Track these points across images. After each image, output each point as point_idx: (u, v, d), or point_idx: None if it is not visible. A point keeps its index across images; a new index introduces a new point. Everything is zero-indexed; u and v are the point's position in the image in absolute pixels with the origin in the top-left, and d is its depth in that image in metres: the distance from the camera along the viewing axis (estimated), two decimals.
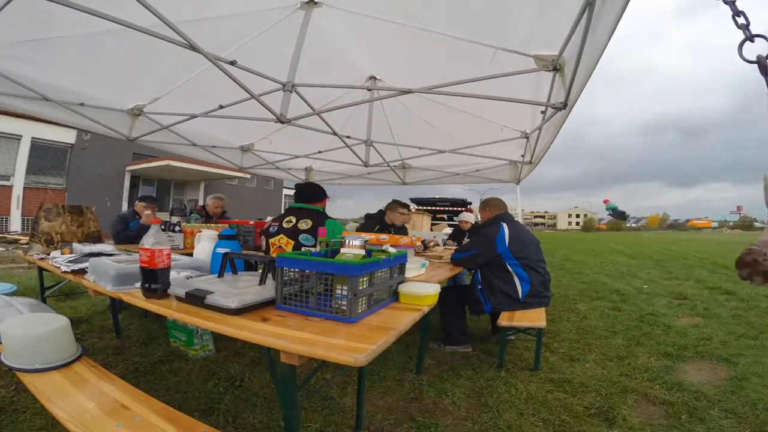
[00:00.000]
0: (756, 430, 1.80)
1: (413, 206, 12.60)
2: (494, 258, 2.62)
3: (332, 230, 1.95)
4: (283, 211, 2.33)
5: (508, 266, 2.61)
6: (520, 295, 2.60)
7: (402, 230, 4.09)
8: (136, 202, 3.87)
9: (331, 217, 2.23)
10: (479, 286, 2.72)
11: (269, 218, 4.18)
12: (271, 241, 2.18)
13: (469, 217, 5.01)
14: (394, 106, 3.24)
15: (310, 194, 2.29)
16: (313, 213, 2.16)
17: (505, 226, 2.66)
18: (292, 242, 2.08)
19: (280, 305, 1.24)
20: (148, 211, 3.69)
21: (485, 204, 3.01)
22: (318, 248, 1.50)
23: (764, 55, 0.70)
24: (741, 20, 0.71)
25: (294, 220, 2.14)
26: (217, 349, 2.54)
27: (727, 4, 0.71)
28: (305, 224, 2.08)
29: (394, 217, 3.90)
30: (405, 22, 2.01)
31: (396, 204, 3.95)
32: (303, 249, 1.98)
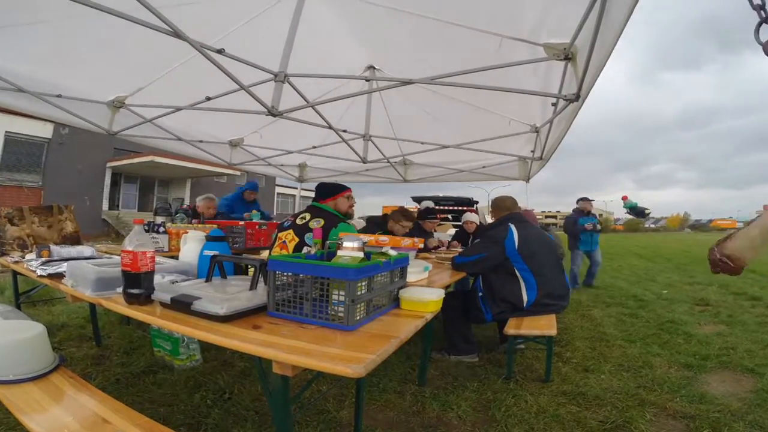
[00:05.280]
0: None
1: (414, 205, 12.60)
2: (501, 262, 2.62)
3: (336, 233, 1.96)
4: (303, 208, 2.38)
5: (516, 271, 2.60)
6: (524, 303, 2.60)
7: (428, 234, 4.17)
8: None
9: (346, 221, 2.24)
10: (480, 293, 2.72)
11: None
12: (279, 234, 2.22)
13: (473, 218, 5.01)
14: (394, 98, 3.24)
15: (322, 192, 2.33)
16: (329, 214, 2.20)
17: (513, 227, 2.64)
18: (297, 240, 2.11)
19: (273, 312, 1.24)
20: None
21: (493, 204, 3.01)
22: (313, 250, 1.50)
23: None
24: (757, 0, 0.72)
25: (308, 217, 2.18)
26: (204, 359, 2.54)
27: None
28: (317, 223, 2.11)
29: (395, 227, 3.87)
30: (405, 9, 2.01)
31: (401, 215, 3.88)
32: (305, 249, 1.99)
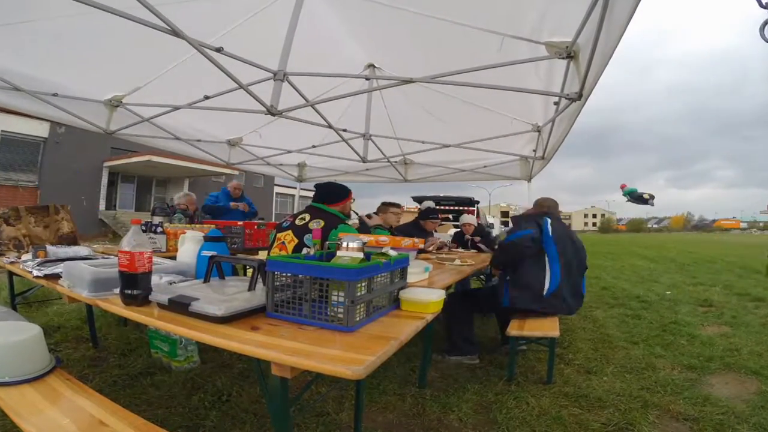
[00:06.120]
0: None
1: (415, 205, 12.61)
2: (539, 248, 2.65)
3: (336, 234, 1.95)
4: (303, 208, 2.37)
5: (546, 259, 2.64)
6: (544, 291, 2.61)
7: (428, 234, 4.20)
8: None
9: (347, 222, 2.23)
10: (507, 278, 2.76)
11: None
12: (278, 235, 2.21)
13: (471, 220, 5.01)
14: (394, 97, 3.24)
15: (329, 194, 2.29)
16: (329, 215, 2.19)
17: (548, 220, 2.73)
18: (296, 241, 2.10)
19: (271, 313, 1.24)
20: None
21: (535, 203, 3.11)
22: (312, 251, 1.50)
23: None
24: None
25: (308, 218, 2.17)
26: (202, 361, 2.54)
27: None
28: (317, 224, 2.10)
29: (388, 218, 3.93)
30: (406, 7, 2.01)
31: (385, 206, 4.04)
32: (304, 251, 1.99)
